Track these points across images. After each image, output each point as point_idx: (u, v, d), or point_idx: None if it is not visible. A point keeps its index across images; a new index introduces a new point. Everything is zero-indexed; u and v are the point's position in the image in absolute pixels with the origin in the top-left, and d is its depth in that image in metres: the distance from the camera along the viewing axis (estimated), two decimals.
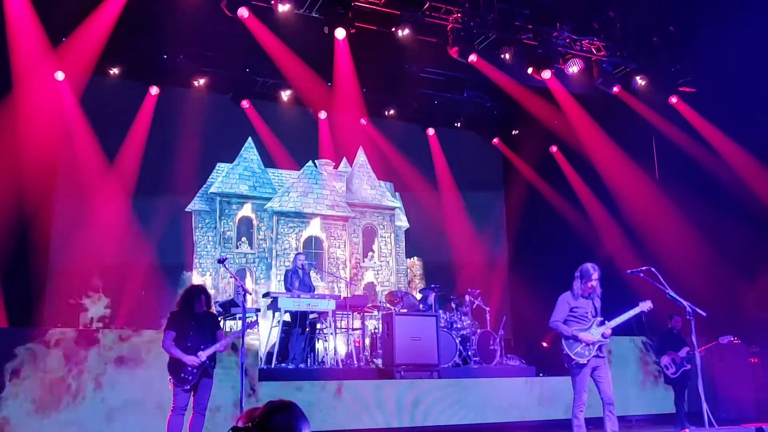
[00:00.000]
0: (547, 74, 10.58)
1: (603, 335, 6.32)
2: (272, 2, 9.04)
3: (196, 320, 6.35)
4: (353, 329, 10.47)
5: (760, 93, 9.48)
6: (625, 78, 11.12)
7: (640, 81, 11.03)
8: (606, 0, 10.69)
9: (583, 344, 6.28)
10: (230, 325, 9.68)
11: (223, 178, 12.48)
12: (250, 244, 12.64)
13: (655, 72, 11.06)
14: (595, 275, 6.38)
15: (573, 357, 6.30)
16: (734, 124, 10.17)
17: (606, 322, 6.36)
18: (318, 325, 9.79)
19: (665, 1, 10.71)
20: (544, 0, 10.42)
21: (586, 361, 6.27)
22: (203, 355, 6.22)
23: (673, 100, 11.11)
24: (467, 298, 10.70)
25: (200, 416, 6.23)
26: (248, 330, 6.61)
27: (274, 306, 9.32)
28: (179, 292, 10.09)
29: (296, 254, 10.42)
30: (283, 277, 10.49)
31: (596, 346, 6.31)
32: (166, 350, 6.22)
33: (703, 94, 10.99)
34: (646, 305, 6.32)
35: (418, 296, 11.45)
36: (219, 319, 7.73)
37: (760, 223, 9.60)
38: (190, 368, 6.17)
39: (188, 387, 6.15)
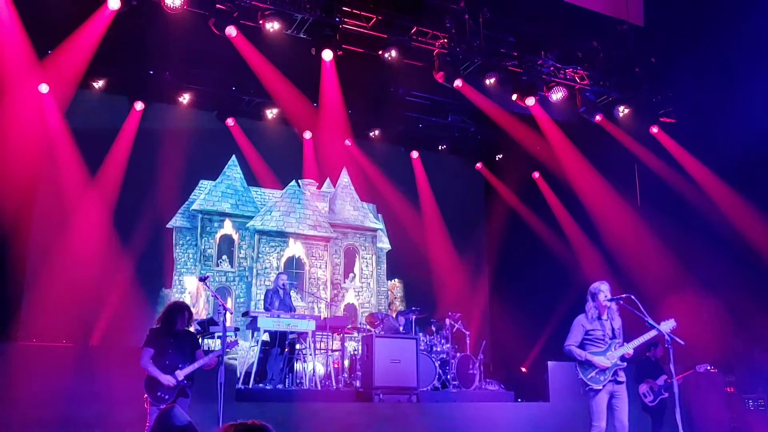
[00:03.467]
0: (531, 101, 10.71)
1: (621, 358, 6.11)
2: (260, 22, 9.08)
3: (175, 338, 6.29)
4: (332, 350, 10.41)
5: (735, 125, 9.67)
6: (608, 107, 11.27)
7: (622, 110, 11.18)
8: (590, 30, 10.87)
9: (598, 369, 6.08)
10: (208, 343, 9.58)
11: (205, 195, 12.42)
12: (231, 263, 12.56)
13: (637, 102, 11.22)
14: (604, 287, 6.23)
15: (587, 382, 6.10)
16: (712, 155, 10.34)
17: (625, 343, 6.17)
18: (297, 346, 9.73)
19: (648, 32, 10.91)
20: (529, 28, 10.57)
21: (601, 387, 6.05)
22: (180, 374, 6.14)
23: (654, 130, 11.26)
24: (447, 321, 10.68)
25: None
26: (228, 349, 6.55)
27: (253, 325, 9.25)
28: (158, 309, 10.04)
29: (278, 274, 10.36)
30: (263, 297, 10.42)
31: (612, 371, 6.11)
32: (143, 367, 6.15)
33: (682, 125, 11.16)
34: (668, 325, 6.06)
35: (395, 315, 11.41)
36: (198, 337, 7.65)
37: (737, 253, 9.72)
38: (166, 387, 6.10)
39: (164, 406, 6.07)
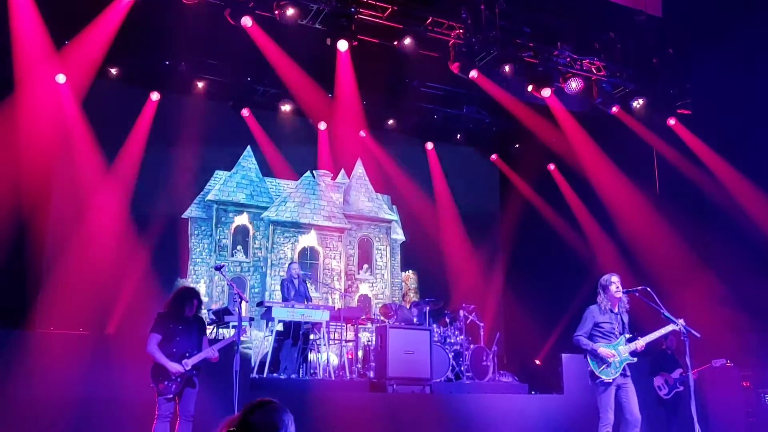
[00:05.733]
0: (546, 92, 10.62)
1: (632, 353, 6.12)
2: (276, 12, 9.07)
3: (184, 324, 6.17)
4: (346, 341, 10.44)
5: (753, 117, 9.57)
6: (624, 98, 11.17)
7: (638, 102, 11.08)
8: (607, 21, 10.76)
9: (609, 362, 6.09)
10: (222, 333, 9.64)
11: (220, 185, 12.47)
12: (246, 253, 12.61)
13: (654, 94, 11.11)
14: (615, 279, 6.22)
15: (598, 375, 6.10)
16: (729, 147, 10.24)
17: (639, 338, 6.16)
18: (311, 336, 9.75)
19: (666, 23, 10.80)
20: (545, 19, 10.48)
21: (611, 380, 6.07)
22: (188, 363, 6.02)
23: (671, 122, 11.15)
24: (461, 313, 10.67)
25: (187, 422, 6.04)
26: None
27: (267, 315, 9.28)
28: None
29: (290, 263, 10.42)
30: (279, 287, 10.47)
31: (622, 365, 6.11)
32: (150, 354, 5.99)
33: (699, 117, 11.05)
34: (680, 323, 6.09)
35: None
36: (211, 326, 7.65)
37: (754, 247, 9.63)
38: (173, 376, 5.96)
39: (171, 396, 5.97)
